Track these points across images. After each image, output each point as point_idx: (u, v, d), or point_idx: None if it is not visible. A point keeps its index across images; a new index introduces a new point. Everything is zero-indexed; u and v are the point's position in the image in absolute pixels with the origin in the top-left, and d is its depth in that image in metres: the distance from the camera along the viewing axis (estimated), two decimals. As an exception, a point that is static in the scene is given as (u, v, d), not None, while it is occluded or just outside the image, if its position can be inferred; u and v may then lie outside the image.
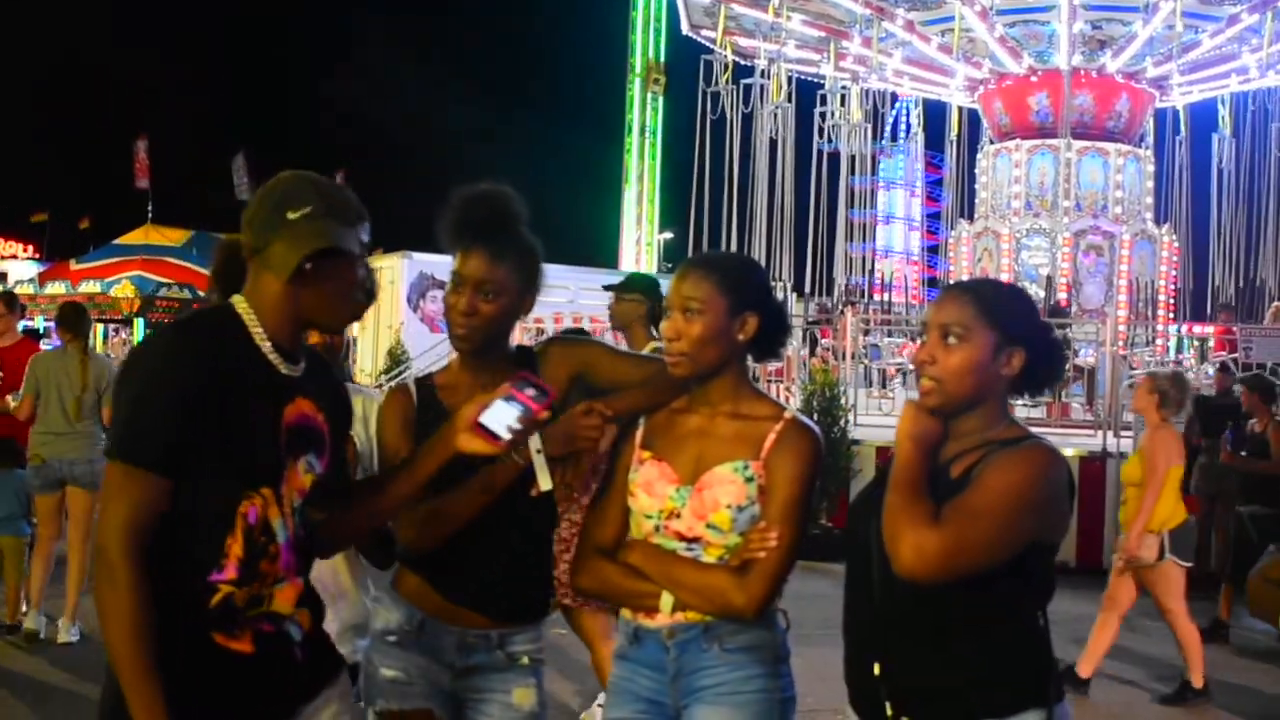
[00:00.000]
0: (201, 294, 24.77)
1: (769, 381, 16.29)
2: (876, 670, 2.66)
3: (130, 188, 37.67)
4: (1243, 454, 9.77)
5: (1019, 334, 2.69)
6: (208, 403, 2.36)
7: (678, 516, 2.89)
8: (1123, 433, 12.61)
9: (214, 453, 2.38)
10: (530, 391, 2.69)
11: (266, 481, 2.48)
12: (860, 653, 2.74)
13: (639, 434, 3.03)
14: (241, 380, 2.44)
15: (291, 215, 2.46)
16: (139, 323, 28.10)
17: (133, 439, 2.36)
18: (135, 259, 29.38)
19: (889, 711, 2.63)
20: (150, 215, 34.27)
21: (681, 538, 2.89)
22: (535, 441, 2.94)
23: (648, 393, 3.07)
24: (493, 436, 2.67)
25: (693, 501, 2.88)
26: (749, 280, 2.99)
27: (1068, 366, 14.03)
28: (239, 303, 2.54)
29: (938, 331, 2.69)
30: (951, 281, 10.10)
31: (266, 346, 2.52)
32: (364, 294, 2.72)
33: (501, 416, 2.67)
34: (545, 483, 2.98)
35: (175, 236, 31.41)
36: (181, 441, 2.35)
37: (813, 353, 17.96)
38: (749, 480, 2.86)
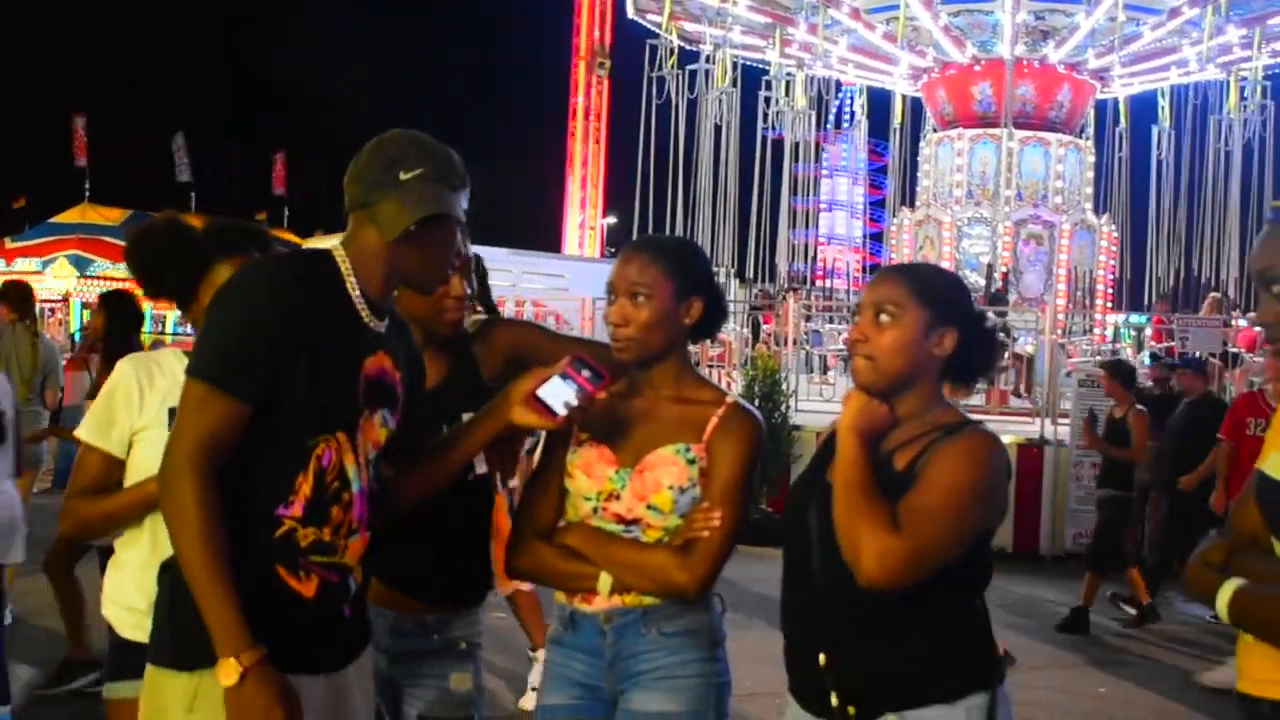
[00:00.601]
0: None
1: (710, 366, 16.31)
2: (822, 660, 2.65)
3: (68, 166, 37.15)
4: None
5: (951, 314, 2.70)
6: (295, 339, 2.39)
7: (617, 498, 2.87)
8: (1060, 420, 12.74)
9: (294, 389, 2.40)
10: (586, 373, 2.68)
11: (342, 426, 2.49)
12: (804, 639, 2.72)
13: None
14: (328, 324, 2.46)
15: (404, 176, 2.50)
16: (75, 303, 27.70)
17: (221, 362, 2.38)
18: (72, 238, 28.99)
19: (834, 701, 2.62)
20: (88, 194, 33.81)
21: (620, 520, 2.87)
22: None
23: None
24: (549, 411, 2.68)
25: (633, 483, 2.86)
26: (694, 264, 2.98)
27: (1006, 355, 14.15)
28: (337, 251, 2.56)
29: (871, 310, 2.69)
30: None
31: (357, 297, 2.54)
32: (459, 259, 2.75)
33: (559, 393, 2.68)
34: (481, 466, 2.96)
35: (113, 215, 30.99)
36: (267, 372, 2.37)
37: (756, 338, 17.97)
38: (691, 462, 2.85)
